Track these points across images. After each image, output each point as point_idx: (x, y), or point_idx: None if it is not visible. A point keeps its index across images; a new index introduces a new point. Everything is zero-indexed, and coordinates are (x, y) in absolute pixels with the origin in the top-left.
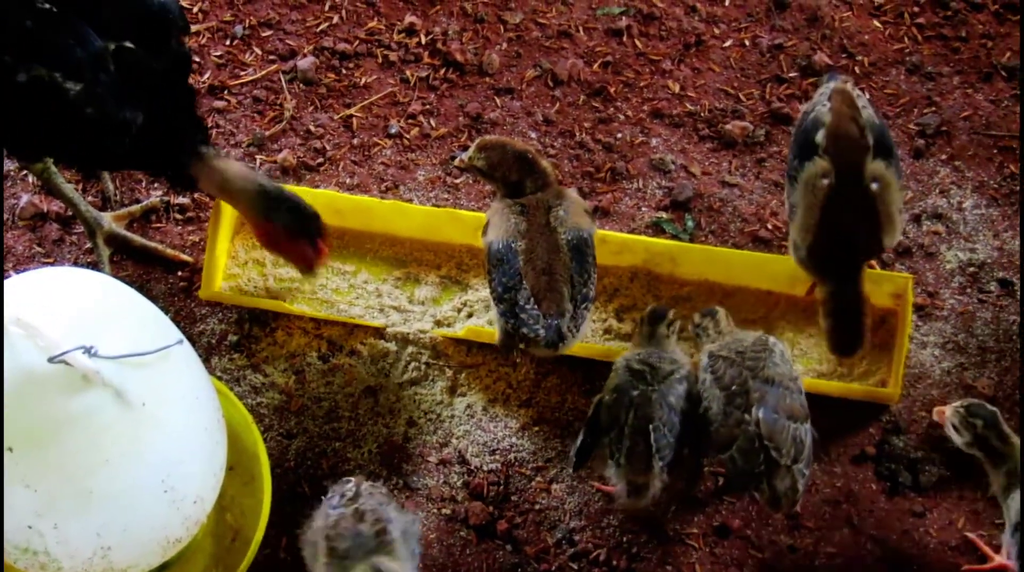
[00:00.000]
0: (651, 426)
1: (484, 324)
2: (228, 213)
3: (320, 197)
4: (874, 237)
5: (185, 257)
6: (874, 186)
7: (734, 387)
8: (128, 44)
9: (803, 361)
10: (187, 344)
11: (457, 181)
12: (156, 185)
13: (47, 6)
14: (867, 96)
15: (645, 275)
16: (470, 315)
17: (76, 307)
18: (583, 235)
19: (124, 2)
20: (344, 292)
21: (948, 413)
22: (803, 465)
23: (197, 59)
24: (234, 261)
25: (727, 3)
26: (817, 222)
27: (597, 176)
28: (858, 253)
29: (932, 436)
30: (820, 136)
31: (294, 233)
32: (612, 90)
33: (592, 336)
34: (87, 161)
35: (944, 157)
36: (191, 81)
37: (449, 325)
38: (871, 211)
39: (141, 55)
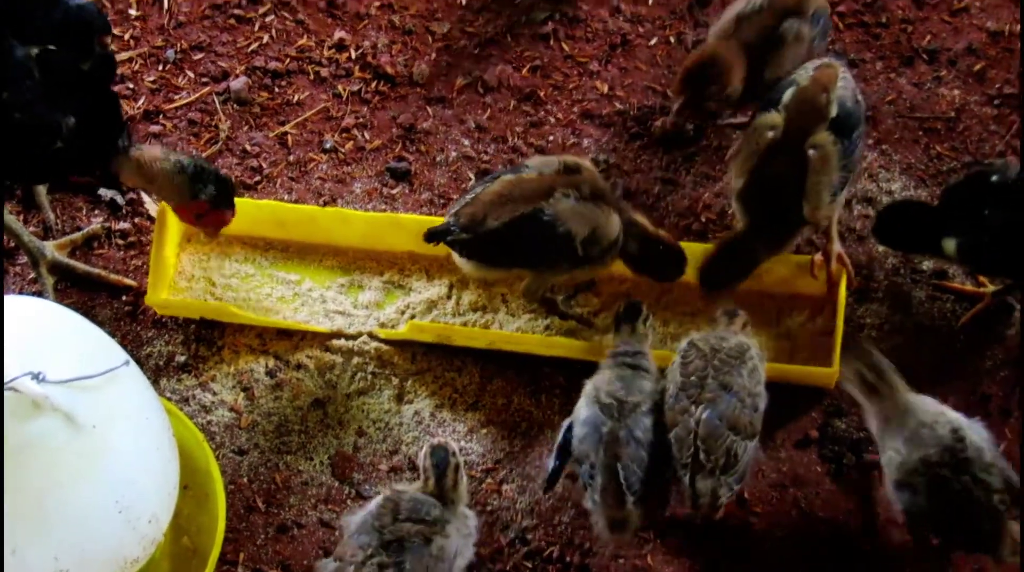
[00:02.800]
0: (619, 465)
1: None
2: (173, 224)
3: (264, 208)
4: (796, 202)
5: (128, 281)
6: (811, 152)
7: (693, 378)
8: (51, 47)
9: None
10: (134, 365)
11: (394, 191)
12: (96, 212)
13: None
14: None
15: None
16: (413, 317)
17: (22, 334)
18: None
19: (43, 7)
20: (289, 300)
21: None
22: (732, 479)
23: (131, 86)
24: (181, 276)
25: (650, 2)
26: (751, 169)
27: None
28: (780, 211)
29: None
30: (788, 95)
31: (221, 204)
32: (542, 94)
33: (533, 331)
34: (21, 168)
35: (871, 142)
36: (116, 90)
37: (393, 326)
38: (800, 176)
39: (65, 57)
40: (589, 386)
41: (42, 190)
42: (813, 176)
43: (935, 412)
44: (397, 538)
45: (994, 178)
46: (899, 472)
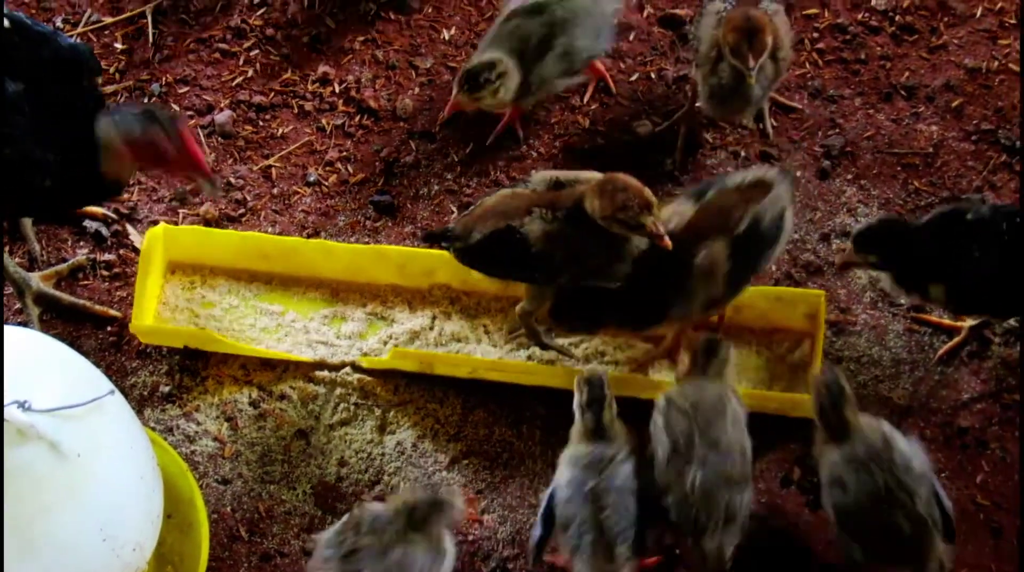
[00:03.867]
0: (602, 516)
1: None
2: (159, 251)
3: (248, 240)
4: (665, 297)
5: (113, 312)
6: (697, 260)
7: (680, 441)
8: (41, 85)
9: None
10: (119, 394)
11: (377, 224)
12: (82, 243)
13: None
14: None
15: None
16: (395, 347)
17: (8, 363)
18: None
19: (35, 46)
20: (272, 330)
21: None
22: (735, 528)
23: None
24: (165, 306)
25: (631, 38)
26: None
27: None
28: (647, 296)
29: None
30: (711, 193)
31: (147, 136)
32: (524, 128)
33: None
34: (10, 203)
35: (850, 177)
36: None
37: (376, 356)
38: (682, 276)
39: (55, 94)
40: (566, 456)
41: (27, 222)
42: (693, 282)
43: (871, 425)
44: (355, 549)
45: (969, 216)
46: (830, 472)
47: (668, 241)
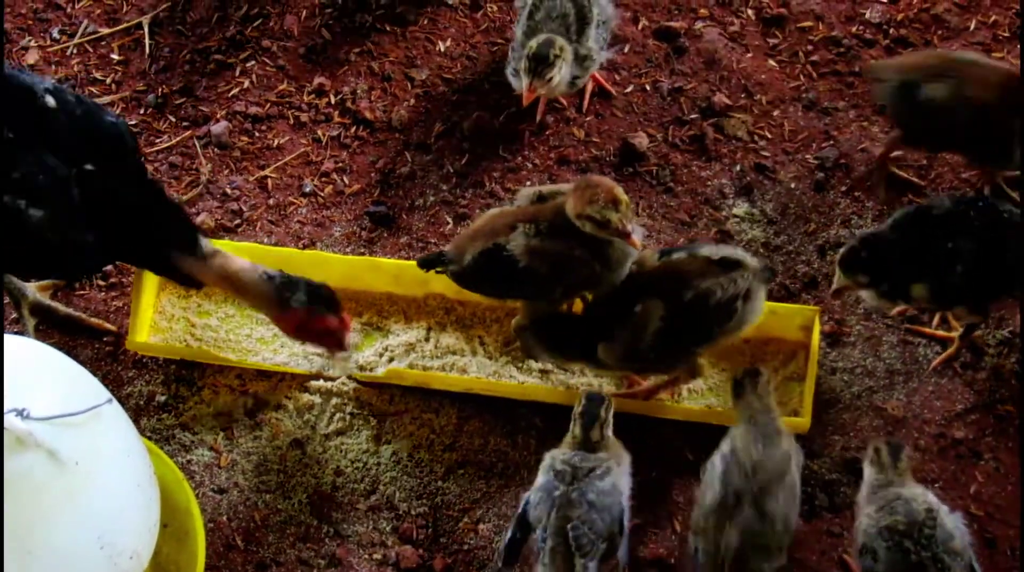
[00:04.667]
0: (569, 526)
1: (405, 367)
2: None
3: (241, 250)
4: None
5: (109, 326)
6: (638, 308)
7: (730, 497)
8: (88, 167)
9: (712, 394)
10: (116, 403)
11: (373, 235)
12: None
13: (7, 134)
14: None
15: None
16: (391, 360)
17: (6, 371)
18: None
19: (80, 126)
20: (268, 341)
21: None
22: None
23: None
24: (161, 316)
25: (627, 50)
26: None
27: None
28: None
29: (846, 459)
30: (677, 254)
31: (315, 313)
32: (519, 140)
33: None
34: (49, 274)
35: (844, 189)
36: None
37: (371, 369)
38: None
39: (102, 176)
40: (547, 458)
41: None
42: (622, 328)
43: (919, 492)
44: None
45: (935, 211)
46: (864, 536)
47: (636, 239)
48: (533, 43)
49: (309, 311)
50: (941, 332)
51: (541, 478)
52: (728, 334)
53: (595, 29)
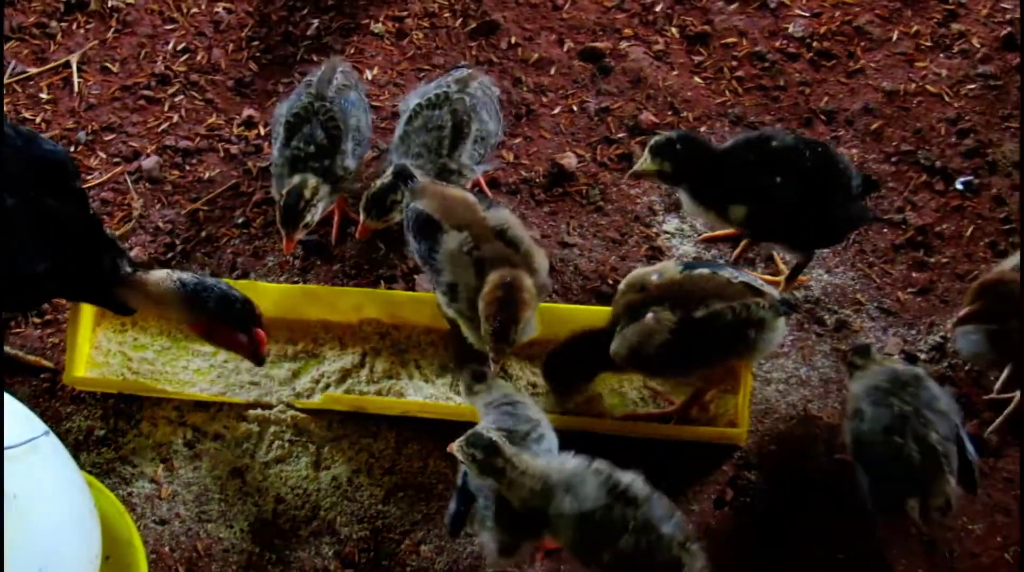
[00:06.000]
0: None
1: (341, 393)
2: (87, 308)
3: None
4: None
5: (46, 363)
6: (649, 316)
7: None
8: (32, 194)
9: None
10: (53, 436)
11: (306, 264)
12: None
13: None
14: None
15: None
16: (327, 386)
17: None
18: None
19: (21, 155)
20: (205, 371)
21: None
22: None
23: None
24: (98, 351)
25: (552, 72)
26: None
27: None
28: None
29: (782, 468)
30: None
31: (225, 323)
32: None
33: (447, 396)
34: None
35: None
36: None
37: (308, 396)
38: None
39: (47, 204)
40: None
41: None
42: (631, 330)
43: (907, 366)
44: None
45: (775, 143)
46: (852, 401)
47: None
48: (382, 174)
49: (216, 323)
50: (768, 276)
51: None
52: (738, 359)
53: (471, 144)
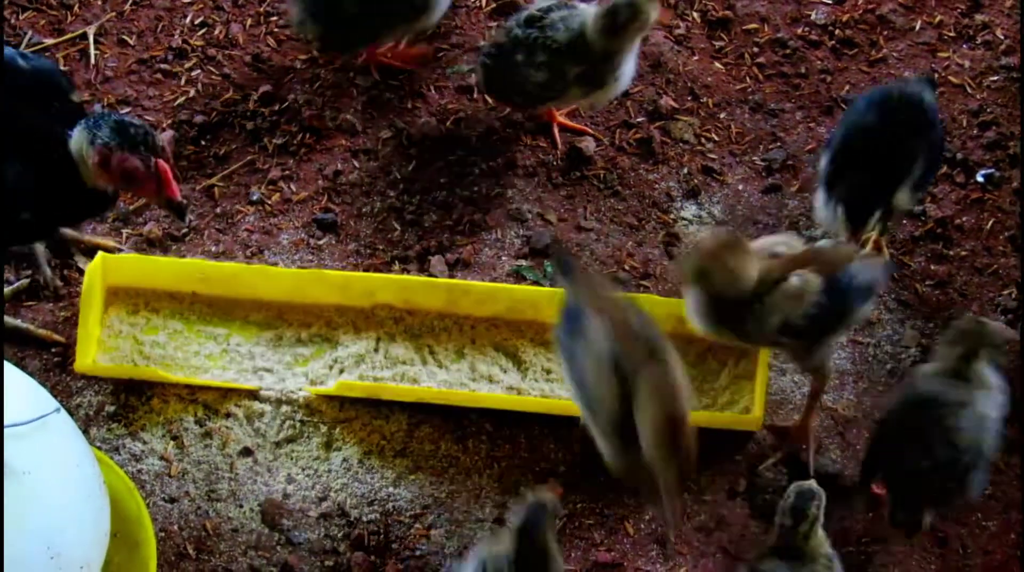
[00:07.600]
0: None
1: (355, 379)
2: (99, 285)
3: (188, 266)
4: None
5: (57, 337)
6: (794, 279)
7: None
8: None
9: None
10: (64, 413)
11: (320, 242)
12: (25, 265)
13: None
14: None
15: (508, 323)
16: (341, 371)
17: None
18: None
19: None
20: (217, 357)
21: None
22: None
23: None
24: (109, 332)
25: None
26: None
27: (457, 229)
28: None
29: (795, 460)
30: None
31: (115, 151)
32: (466, 145)
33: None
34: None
35: (792, 190)
36: None
37: (321, 382)
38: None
39: (27, 122)
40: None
41: (40, 247)
42: (773, 300)
43: None
44: None
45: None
46: None
47: None
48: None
49: (109, 148)
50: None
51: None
52: (856, 319)
53: None
